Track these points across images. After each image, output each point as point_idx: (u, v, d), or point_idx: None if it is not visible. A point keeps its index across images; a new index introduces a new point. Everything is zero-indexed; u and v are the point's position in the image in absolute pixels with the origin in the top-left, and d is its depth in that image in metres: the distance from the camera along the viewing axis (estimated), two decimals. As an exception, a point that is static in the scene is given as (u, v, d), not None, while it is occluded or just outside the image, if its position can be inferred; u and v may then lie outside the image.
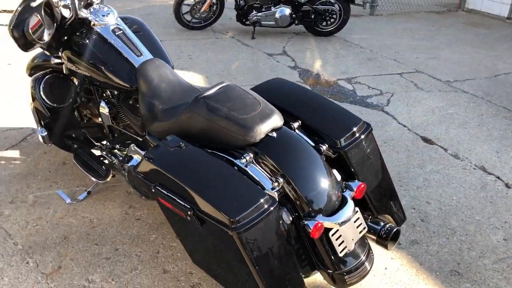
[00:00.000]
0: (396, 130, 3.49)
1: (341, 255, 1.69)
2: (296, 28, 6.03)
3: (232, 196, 1.57)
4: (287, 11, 5.57)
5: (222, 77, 4.37)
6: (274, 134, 1.76)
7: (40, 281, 2.00)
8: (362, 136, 1.89)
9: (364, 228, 1.78)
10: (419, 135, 3.43)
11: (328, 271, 1.73)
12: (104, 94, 2.35)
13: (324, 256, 1.71)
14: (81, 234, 2.29)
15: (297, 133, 1.86)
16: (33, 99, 2.34)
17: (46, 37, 2.09)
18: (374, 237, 1.91)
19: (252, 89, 2.09)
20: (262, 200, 1.56)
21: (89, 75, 2.23)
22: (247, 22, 5.70)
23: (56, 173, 2.75)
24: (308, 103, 2.01)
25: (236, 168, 1.73)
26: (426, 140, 3.36)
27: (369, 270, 1.79)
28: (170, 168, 1.67)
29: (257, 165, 1.73)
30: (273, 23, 5.65)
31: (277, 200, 1.63)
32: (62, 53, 2.30)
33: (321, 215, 1.67)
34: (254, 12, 5.62)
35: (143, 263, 2.12)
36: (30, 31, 2.01)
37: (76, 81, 2.42)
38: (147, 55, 2.22)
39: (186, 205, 1.61)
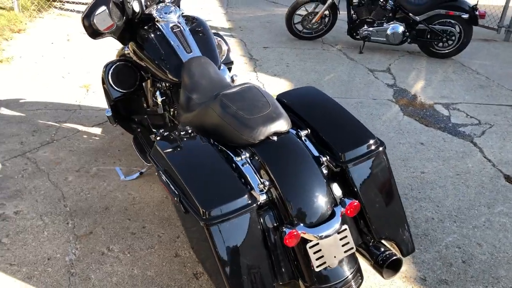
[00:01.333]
0: (477, 164, 3.17)
1: (317, 269, 1.64)
2: (410, 47, 5.77)
3: (213, 189, 1.62)
4: (400, 28, 5.37)
5: (310, 87, 4.39)
6: (275, 138, 1.77)
7: (70, 241, 2.28)
8: (371, 154, 1.80)
9: (352, 248, 1.69)
10: (503, 172, 3.07)
11: (305, 284, 1.69)
12: (159, 85, 2.56)
13: (301, 268, 1.67)
14: (121, 208, 2.53)
15: (301, 141, 1.84)
16: (103, 82, 2.65)
17: (111, 28, 2.37)
18: (371, 262, 1.81)
19: (280, 94, 2.12)
20: (240, 198, 1.58)
21: (145, 66, 2.47)
22: (357, 37, 5.62)
23: (123, 153, 3.06)
24: (326, 113, 1.98)
25: (233, 165, 1.78)
26: (509, 179, 3.01)
27: (356, 288, 1.70)
28: (170, 155, 1.78)
29: (252, 165, 1.76)
30: (384, 39, 5.48)
31: (258, 201, 1.65)
32: (128, 44, 2.58)
33: (302, 225, 1.64)
34: (365, 26, 5.52)
35: (161, 244, 2.28)
36: (95, 21, 2.31)
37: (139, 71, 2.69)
38: (196, 52, 2.38)
39: (176, 191, 1.71)
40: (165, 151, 1.81)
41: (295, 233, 1.60)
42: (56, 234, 2.31)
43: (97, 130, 3.34)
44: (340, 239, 1.68)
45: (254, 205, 1.60)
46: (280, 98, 2.09)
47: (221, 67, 2.64)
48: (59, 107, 3.63)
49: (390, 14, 5.46)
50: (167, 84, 2.50)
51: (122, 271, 2.11)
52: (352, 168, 1.77)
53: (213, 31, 2.74)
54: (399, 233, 1.85)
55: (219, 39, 2.85)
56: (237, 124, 1.78)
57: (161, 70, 2.35)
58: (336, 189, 1.80)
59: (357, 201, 1.71)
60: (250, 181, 1.73)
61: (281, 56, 5.28)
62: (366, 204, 1.78)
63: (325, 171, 1.81)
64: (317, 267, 1.64)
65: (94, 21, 2.30)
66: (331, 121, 1.93)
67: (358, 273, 1.74)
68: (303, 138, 1.86)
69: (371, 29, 5.48)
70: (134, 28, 2.53)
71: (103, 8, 2.32)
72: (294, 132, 1.87)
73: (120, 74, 2.63)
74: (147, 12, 2.48)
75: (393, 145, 3.37)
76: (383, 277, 1.78)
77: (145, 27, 2.49)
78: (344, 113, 1.98)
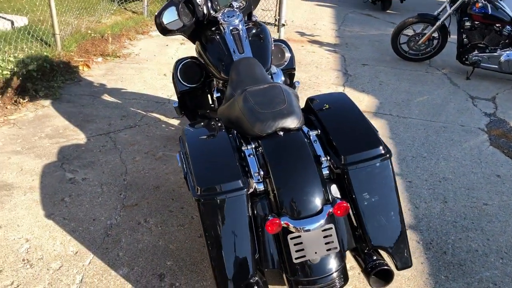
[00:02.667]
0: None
1: (295, 261, 1.70)
2: (527, 77, 5.29)
3: (212, 170, 1.78)
4: (517, 56, 4.97)
5: (397, 105, 4.30)
6: (281, 133, 1.88)
7: (117, 209, 2.60)
8: (374, 160, 1.81)
9: (335, 248, 1.72)
10: None
11: (286, 274, 1.76)
12: (215, 82, 2.80)
13: (281, 257, 1.75)
14: (169, 188, 2.80)
15: (307, 140, 1.90)
16: (173, 76, 2.97)
17: (178, 27, 2.68)
18: (361, 268, 1.82)
19: (312, 96, 2.21)
20: (233, 181, 1.72)
21: (204, 63, 2.73)
22: (467, 62, 5.32)
23: (190, 144, 3.36)
24: (344, 118, 2.01)
25: (242, 154, 1.92)
26: None
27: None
28: (189, 139, 1.98)
29: (255, 156, 1.88)
30: (496, 66, 5.11)
31: (251, 188, 1.77)
32: (195, 43, 2.87)
33: (287, 216, 1.72)
34: (476, 51, 5.21)
35: (191, 224, 2.49)
36: (163, 19, 2.63)
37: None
38: (247, 53, 2.57)
39: (185, 169, 1.91)
40: (186, 135, 2.02)
41: (276, 221, 1.68)
42: (107, 201, 2.65)
43: (175, 122, 3.69)
44: (324, 237, 1.72)
45: (245, 190, 1.72)
46: (310, 99, 2.18)
47: (274, 70, 2.79)
48: (151, 99, 4.08)
49: (507, 41, 5.08)
50: (221, 82, 2.72)
51: (149, 240, 2.36)
52: (351, 171, 1.80)
53: (281, 38, 2.91)
54: (395, 245, 1.82)
55: (283, 46, 3.01)
56: (250, 117, 1.92)
57: (215, 68, 2.59)
58: (334, 190, 1.84)
59: (346, 202, 1.73)
60: (251, 170, 1.85)
61: (377, 75, 5.22)
62: (362, 209, 1.79)
63: (326, 172, 1.85)
64: (296, 258, 1.70)
65: (163, 19, 2.62)
66: (345, 125, 1.97)
67: (342, 274, 1.76)
68: (311, 138, 1.93)
69: (482, 54, 5.15)
70: (200, 27, 2.81)
71: (172, 8, 2.64)
72: (306, 130, 1.95)
73: (188, 70, 2.92)
74: (213, 15, 2.74)
75: (463, 173, 3.18)
76: (370, 284, 1.77)
77: (211, 29, 2.75)
78: (362, 120, 2.00)
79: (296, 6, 8.94)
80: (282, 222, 1.70)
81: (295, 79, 3.14)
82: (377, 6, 9.28)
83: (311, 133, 1.93)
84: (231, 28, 2.65)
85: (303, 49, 6.04)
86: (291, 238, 1.70)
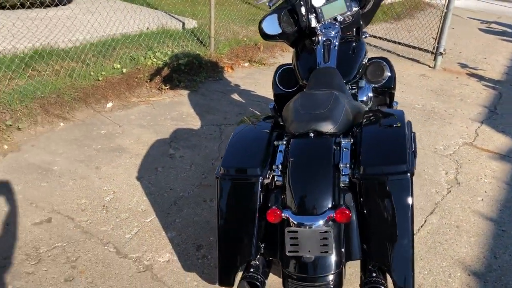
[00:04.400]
0: None
1: (288, 254, 1.77)
2: None
3: (239, 156, 1.97)
4: None
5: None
6: (311, 135, 1.97)
7: (193, 185, 2.94)
8: (392, 177, 1.77)
9: (328, 251, 1.74)
10: None
11: (282, 266, 1.84)
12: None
13: (278, 247, 1.84)
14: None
15: (335, 146, 1.93)
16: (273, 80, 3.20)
17: (277, 33, 2.90)
18: (360, 282, 1.80)
19: (370, 109, 2.23)
20: (252, 168, 1.88)
21: (293, 69, 2.90)
22: None
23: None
24: (385, 132, 1.99)
25: (275, 148, 2.05)
26: None
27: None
28: (237, 130, 2.18)
29: (283, 151, 2.00)
30: None
31: (267, 178, 1.89)
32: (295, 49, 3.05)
33: (290, 211, 1.81)
34: None
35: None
36: (263, 25, 2.88)
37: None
38: (332, 63, 2.66)
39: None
40: (240, 124, 2.24)
41: (278, 212, 1.79)
42: (189, 178, 3.01)
43: (283, 126, 3.92)
44: (321, 239, 1.76)
45: (260, 178, 1.86)
46: (365, 111, 2.21)
47: (362, 84, 2.82)
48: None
49: None
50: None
51: (205, 216, 2.63)
52: (366, 183, 1.79)
53: (381, 55, 2.93)
54: (397, 267, 1.74)
55: (383, 63, 2.99)
56: (292, 115, 2.05)
57: (298, 73, 2.74)
58: (349, 199, 1.85)
59: (349, 210, 1.74)
60: (276, 161, 1.97)
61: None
62: (370, 223, 1.77)
63: (345, 179, 1.87)
64: (289, 252, 1.78)
65: (263, 24, 2.88)
66: (381, 139, 1.95)
67: (334, 280, 1.76)
68: (342, 144, 1.96)
69: None
70: (303, 37, 2.99)
71: (274, 15, 2.88)
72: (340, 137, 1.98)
73: (285, 75, 3.12)
74: (313, 26, 2.89)
75: None
76: (363, 300, 1.75)
77: (308, 37, 2.91)
78: (400, 137, 1.95)
79: (472, 37, 8.35)
80: (283, 214, 1.79)
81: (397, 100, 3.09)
82: None
83: (342, 140, 1.96)
84: (324, 39, 2.77)
85: (456, 80, 5.69)
86: (288, 231, 1.78)
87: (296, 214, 1.78)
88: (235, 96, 4.49)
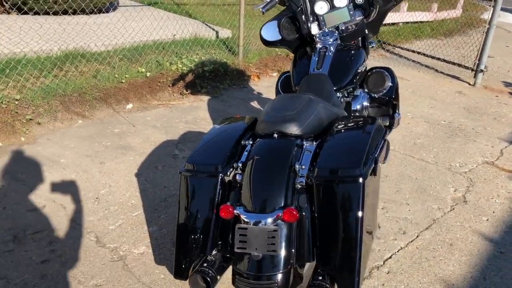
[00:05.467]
0: None
1: (236, 250, 1.79)
2: None
3: (205, 153, 2.01)
4: None
5: None
6: (275, 136, 1.98)
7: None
8: (343, 180, 1.75)
9: (275, 251, 1.74)
10: None
11: (233, 261, 1.86)
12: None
13: (228, 242, 1.86)
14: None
15: (297, 148, 1.93)
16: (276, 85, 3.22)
17: (276, 39, 2.94)
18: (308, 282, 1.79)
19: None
20: (212, 165, 1.92)
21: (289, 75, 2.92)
22: None
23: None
24: (351, 137, 1.98)
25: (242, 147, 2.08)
26: None
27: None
28: (214, 126, 2.24)
29: (248, 151, 2.02)
30: None
31: (226, 175, 1.93)
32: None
33: (242, 208, 1.83)
34: None
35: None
36: (262, 32, 2.93)
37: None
38: (324, 70, 2.66)
39: None
40: (219, 122, 2.29)
41: (230, 208, 1.82)
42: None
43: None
44: (268, 237, 1.76)
45: (220, 175, 1.90)
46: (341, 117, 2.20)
47: (357, 93, 2.79)
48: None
49: None
50: (299, 93, 2.87)
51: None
52: (318, 185, 1.78)
53: (384, 65, 2.89)
54: (342, 274, 1.72)
55: (385, 73, 2.95)
56: (261, 117, 2.08)
57: (292, 79, 2.76)
58: (304, 200, 1.84)
59: (296, 210, 1.74)
60: (238, 161, 2.00)
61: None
62: (318, 227, 1.76)
63: (303, 181, 1.86)
64: (237, 248, 1.80)
65: (262, 31, 2.93)
66: (345, 142, 1.93)
67: (280, 280, 1.75)
68: (304, 147, 1.95)
69: None
70: (304, 44, 3.00)
71: (273, 22, 2.93)
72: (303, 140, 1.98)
73: (287, 81, 3.15)
74: (313, 33, 2.90)
75: None
76: (302, 299, 1.73)
77: (307, 44, 2.92)
78: (363, 141, 1.93)
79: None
80: (235, 211, 1.81)
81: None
82: None
83: (305, 142, 1.96)
84: (321, 46, 2.78)
85: (495, 99, 5.44)
86: (238, 228, 1.80)
87: (247, 211, 1.80)
88: (255, 104, 4.55)
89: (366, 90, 2.97)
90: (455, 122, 4.55)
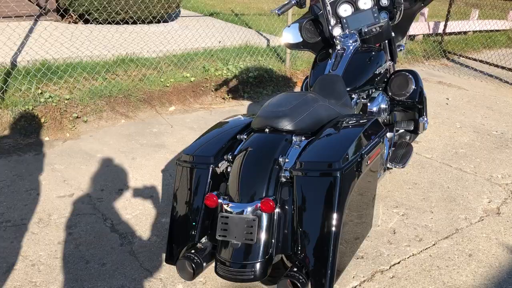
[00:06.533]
0: None
1: (218, 237, 1.86)
2: None
3: (203, 144, 2.11)
4: None
5: None
6: (267, 131, 2.03)
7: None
8: (321, 173, 1.76)
9: (252, 240, 1.78)
10: None
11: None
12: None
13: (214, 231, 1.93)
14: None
15: (285, 143, 1.97)
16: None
17: (297, 42, 2.98)
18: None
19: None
20: (205, 156, 2.02)
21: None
22: None
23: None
24: (341, 133, 1.99)
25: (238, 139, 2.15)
26: None
27: (240, 279, 1.80)
28: (215, 124, 2.33)
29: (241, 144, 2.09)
30: None
31: (217, 166, 2.00)
32: (318, 57, 3.08)
33: (226, 198, 1.90)
34: None
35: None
36: (283, 34, 2.98)
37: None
38: (338, 71, 2.66)
39: None
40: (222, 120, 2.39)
41: (214, 198, 1.90)
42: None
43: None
44: (246, 226, 1.82)
45: (211, 166, 1.99)
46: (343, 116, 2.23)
47: (375, 95, 2.76)
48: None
49: None
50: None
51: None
52: (297, 178, 1.81)
53: (410, 69, 2.87)
54: (315, 267, 1.73)
55: (409, 76, 2.89)
56: (257, 112, 2.15)
57: (309, 79, 2.79)
58: (287, 193, 1.87)
59: (272, 201, 1.77)
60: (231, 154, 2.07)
61: None
62: (296, 219, 1.79)
63: (288, 174, 1.89)
64: (219, 236, 1.87)
65: (283, 34, 2.99)
66: (333, 138, 1.94)
67: (257, 269, 1.79)
68: (293, 142, 1.99)
69: None
70: (328, 46, 3.02)
71: (295, 25, 2.97)
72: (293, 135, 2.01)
73: (310, 84, 3.18)
74: (334, 35, 2.91)
75: None
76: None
77: (330, 45, 2.94)
78: (349, 136, 1.93)
79: None
80: (219, 200, 1.89)
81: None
82: None
83: (295, 137, 2.00)
84: (340, 46, 2.79)
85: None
86: (220, 216, 1.87)
87: (230, 201, 1.87)
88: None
89: (389, 93, 2.93)
90: (509, 133, 4.29)
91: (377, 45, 3.00)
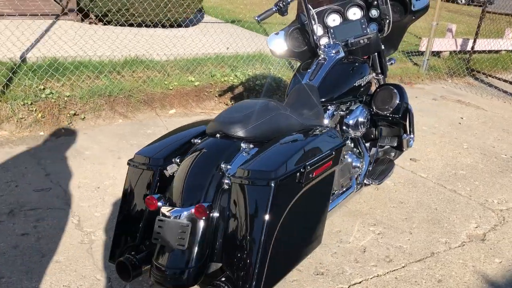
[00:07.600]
0: None
1: (153, 240, 1.84)
2: None
3: (156, 147, 2.10)
4: None
5: None
6: (218, 136, 2.01)
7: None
8: (254, 182, 1.72)
9: (183, 245, 1.75)
10: None
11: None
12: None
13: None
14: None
15: (232, 149, 1.94)
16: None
17: (283, 50, 2.93)
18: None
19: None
20: (154, 159, 2.01)
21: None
22: None
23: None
24: (297, 144, 1.96)
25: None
26: None
27: (169, 285, 1.77)
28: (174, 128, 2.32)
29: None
30: None
31: (166, 169, 1.99)
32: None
33: (167, 202, 1.88)
34: None
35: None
36: (268, 41, 2.95)
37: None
38: (315, 81, 2.60)
39: None
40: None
41: (154, 201, 1.88)
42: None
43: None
44: (179, 232, 1.79)
45: (159, 168, 1.98)
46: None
47: (354, 107, 2.69)
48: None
49: None
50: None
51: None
52: (234, 186, 1.78)
53: (395, 83, 2.81)
54: (242, 277, 1.68)
55: (394, 90, 2.81)
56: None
57: (288, 89, 2.75)
58: (225, 200, 1.84)
59: (204, 206, 1.74)
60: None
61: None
62: (227, 227, 1.76)
63: (229, 181, 1.86)
64: (153, 239, 1.85)
65: (268, 41, 2.96)
66: (277, 148, 1.90)
67: (186, 275, 1.76)
68: (242, 149, 1.95)
69: None
70: (313, 54, 2.96)
71: (280, 33, 2.94)
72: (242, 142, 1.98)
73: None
74: (319, 44, 2.86)
75: None
76: None
77: (315, 55, 2.88)
78: (294, 149, 1.88)
79: None
80: (158, 203, 1.87)
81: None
82: None
83: (243, 144, 1.96)
84: (321, 57, 2.73)
85: None
86: (157, 220, 1.85)
87: (170, 205, 1.85)
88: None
89: (373, 107, 2.85)
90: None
91: (365, 57, 2.93)
